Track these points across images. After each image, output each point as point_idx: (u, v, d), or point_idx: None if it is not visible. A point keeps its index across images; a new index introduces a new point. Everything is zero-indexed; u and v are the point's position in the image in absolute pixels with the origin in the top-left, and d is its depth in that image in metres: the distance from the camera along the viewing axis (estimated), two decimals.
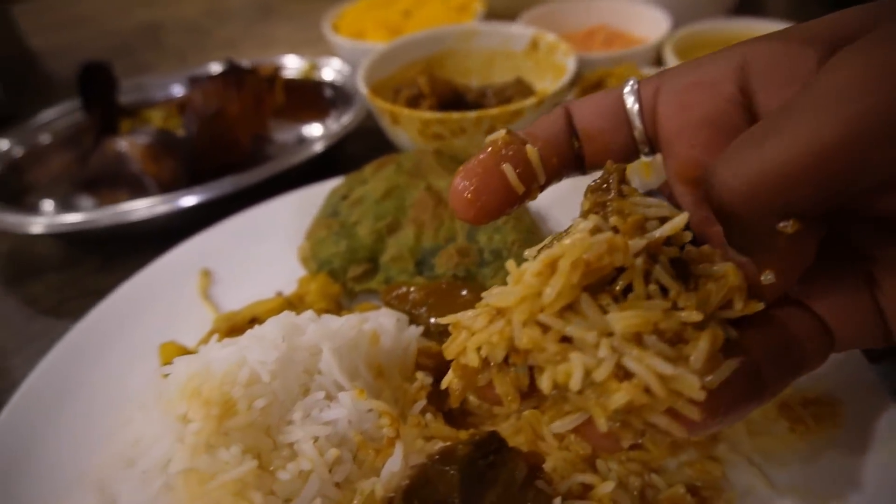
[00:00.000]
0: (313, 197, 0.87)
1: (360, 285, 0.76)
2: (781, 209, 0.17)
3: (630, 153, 0.22)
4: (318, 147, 1.04)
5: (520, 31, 1.15)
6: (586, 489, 0.38)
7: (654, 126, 0.21)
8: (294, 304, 0.72)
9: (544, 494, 0.35)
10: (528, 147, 0.25)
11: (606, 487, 0.36)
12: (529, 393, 0.20)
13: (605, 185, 0.19)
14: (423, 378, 0.58)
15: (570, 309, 0.18)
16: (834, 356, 0.25)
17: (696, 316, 0.16)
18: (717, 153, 0.19)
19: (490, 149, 0.25)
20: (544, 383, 0.18)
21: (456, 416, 0.56)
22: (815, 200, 0.17)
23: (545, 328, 0.17)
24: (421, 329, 0.63)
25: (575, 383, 0.18)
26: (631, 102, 0.22)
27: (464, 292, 0.65)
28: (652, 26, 1.25)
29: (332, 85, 1.29)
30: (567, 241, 0.17)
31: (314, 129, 1.27)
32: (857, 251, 0.21)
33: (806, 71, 0.19)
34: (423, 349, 0.61)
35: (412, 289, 0.68)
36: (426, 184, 0.79)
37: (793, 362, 0.21)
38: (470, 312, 0.21)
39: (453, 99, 1.04)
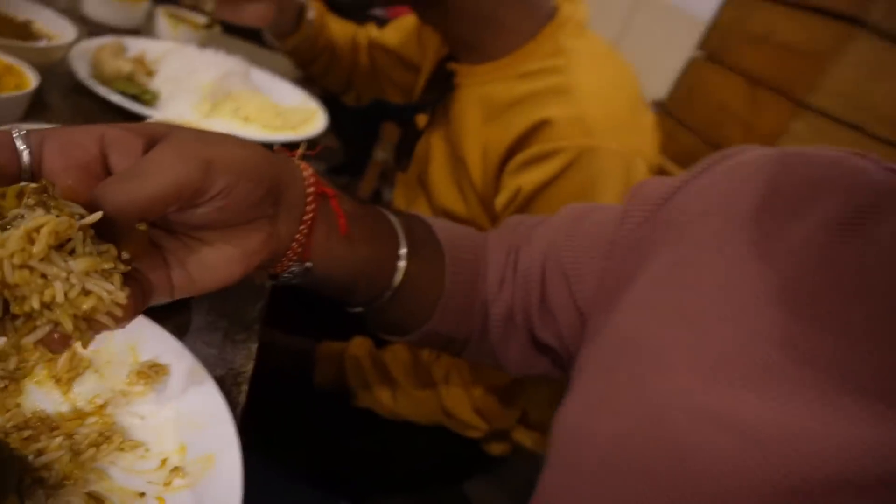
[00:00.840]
0: None
1: None
2: (141, 218, 0.32)
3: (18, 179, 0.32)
4: None
5: None
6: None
7: (39, 165, 0.33)
8: None
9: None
10: None
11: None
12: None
13: (44, 192, 0.32)
14: None
15: (45, 260, 0.30)
16: None
17: (113, 263, 0.31)
18: (89, 188, 0.32)
19: None
20: (33, 303, 0.30)
21: None
22: (156, 215, 0.32)
23: (32, 270, 0.29)
24: None
25: (60, 296, 0.30)
26: (20, 144, 0.33)
27: None
28: None
29: None
30: (41, 218, 0.29)
31: None
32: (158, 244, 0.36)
33: (143, 149, 0.34)
34: None
35: None
36: None
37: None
38: None
39: None
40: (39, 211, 0.31)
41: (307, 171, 0.39)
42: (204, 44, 1.00)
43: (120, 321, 0.32)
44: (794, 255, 0.36)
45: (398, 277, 0.47)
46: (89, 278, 0.32)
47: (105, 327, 0.32)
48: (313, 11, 0.99)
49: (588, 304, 0.48)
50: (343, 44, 1.06)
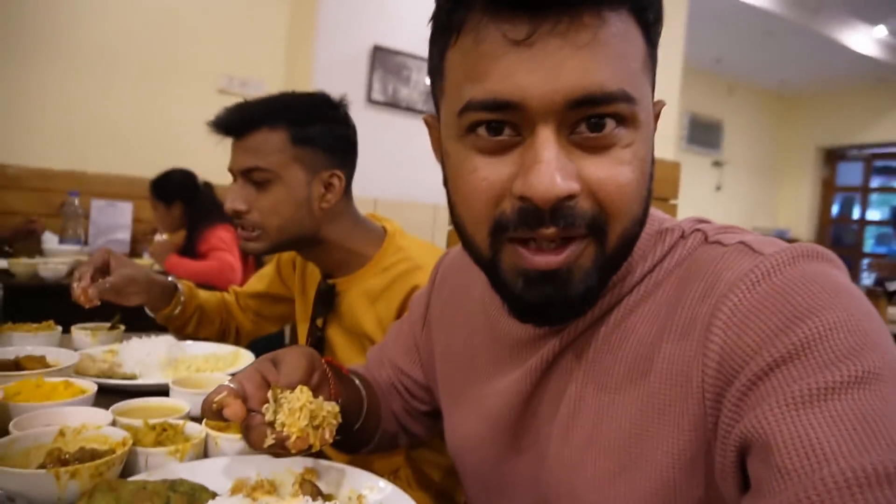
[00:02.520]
0: None
1: None
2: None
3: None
4: None
5: None
6: None
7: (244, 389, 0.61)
8: None
9: None
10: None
11: None
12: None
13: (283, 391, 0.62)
14: None
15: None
16: None
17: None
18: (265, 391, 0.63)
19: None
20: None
21: None
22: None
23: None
24: None
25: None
26: (233, 384, 0.63)
27: None
28: None
29: None
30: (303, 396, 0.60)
31: None
32: None
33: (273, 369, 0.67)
34: None
35: None
36: None
37: None
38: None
39: None
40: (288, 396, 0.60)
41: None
42: (119, 338, 1.26)
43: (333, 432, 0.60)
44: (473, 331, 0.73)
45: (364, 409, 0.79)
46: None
47: (331, 433, 0.59)
48: (182, 288, 1.33)
49: (425, 378, 0.85)
50: (212, 306, 1.41)
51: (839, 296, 0.46)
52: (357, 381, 0.80)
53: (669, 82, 4.15)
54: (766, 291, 0.47)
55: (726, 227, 0.57)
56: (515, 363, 0.65)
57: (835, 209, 7.99)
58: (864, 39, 6.06)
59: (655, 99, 0.57)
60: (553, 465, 0.59)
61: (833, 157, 7.90)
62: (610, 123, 0.49)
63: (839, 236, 7.96)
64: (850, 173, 7.90)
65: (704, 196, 7.09)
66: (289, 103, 1.14)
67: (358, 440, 0.82)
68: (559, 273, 0.51)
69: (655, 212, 0.60)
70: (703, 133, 7.05)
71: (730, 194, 7.43)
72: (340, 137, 1.17)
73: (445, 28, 0.52)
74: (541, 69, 0.47)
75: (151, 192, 2.74)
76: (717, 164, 7.32)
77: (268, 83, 3.62)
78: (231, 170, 1.13)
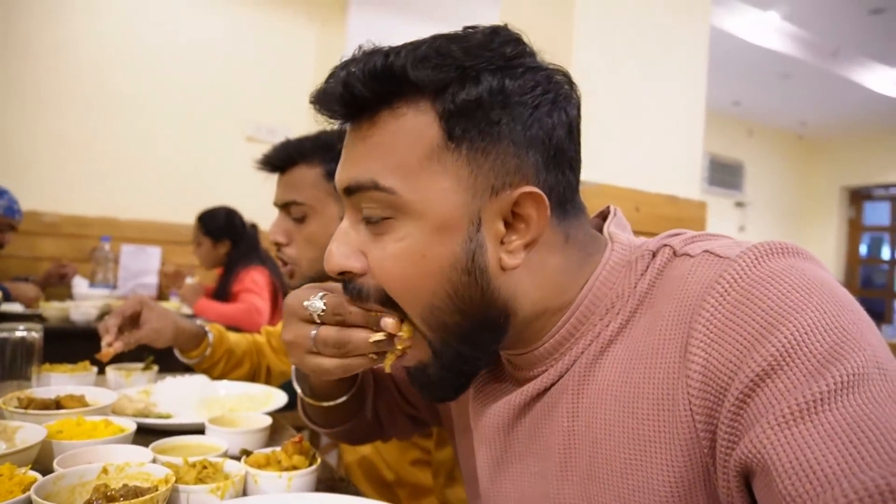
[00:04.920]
0: None
1: None
2: None
3: None
4: None
5: None
6: None
7: None
8: None
9: None
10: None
11: None
12: None
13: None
14: None
15: None
16: None
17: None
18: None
19: None
20: None
21: None
22: None
23: None
24: None
25: None
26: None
27: None
28: None
29: None
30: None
31: None
32: None
33: None
34: None
35: None
36: None
37: None
38: None
39: None
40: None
41: None
42: (153, 379, 1.27)
43: None
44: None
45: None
46: None
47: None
48: (212, 333, 1.34)
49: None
50: (241, 349, 1.41)
51: (810, 292, 0.45)
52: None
53: (693, 125, 4.19)
54: (736, 299, 0.46)
55: (695, 237, 0.57)
56: (499, 393, 0.66)
57: (863, 249, 7.86)
58: (884, 80, 6.06)
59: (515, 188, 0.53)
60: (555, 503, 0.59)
61: (858, 196, 7.82)
62: (379, 212, 0.54)
63: (869, 277, 7.80)
64: (877, 213, 7.79)
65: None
66: (326, 140, 1.17)
67: (335, 416, 0.84)
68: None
69: (628, 239, 0.60)
70: (723, 174, 7.04)
71: (754, 235, 7.36)
72: None
73: None
74: (342, 160, 0.57)
75: (199, 227, 2.77)
76: (739, 204, 7.28)
77: (295, 130, 3.71)
78: (275, 204, 1.19)
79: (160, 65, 3.42)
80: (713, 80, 4.88)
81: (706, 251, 0.52)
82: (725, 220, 7.07)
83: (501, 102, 0.51)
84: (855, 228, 7.83)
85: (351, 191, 0.55)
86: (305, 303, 0.59)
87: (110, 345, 1.13)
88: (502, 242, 0.54)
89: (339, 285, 0.60)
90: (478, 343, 0.57)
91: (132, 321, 1.20)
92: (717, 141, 6.72)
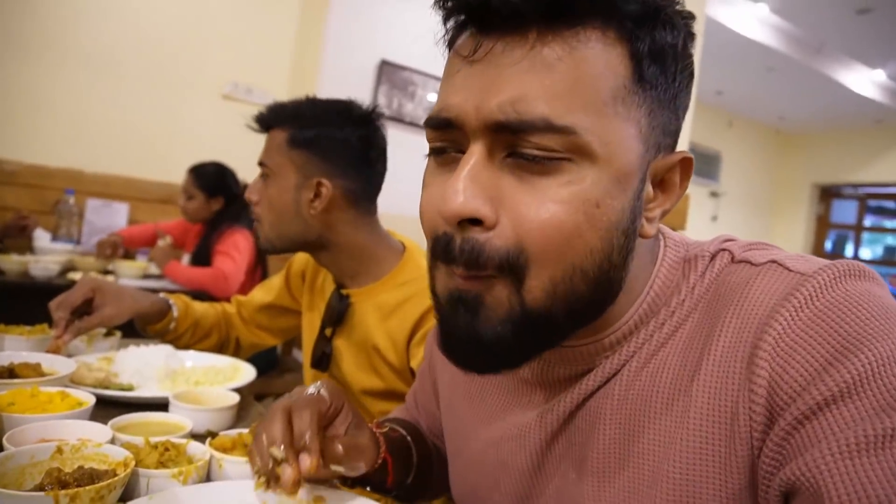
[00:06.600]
0: None
1: None
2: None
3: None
4: None
5: None
6: None
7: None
8: None
9: None
10: None
11: None
12: None
13: None
14: None
15: None
16: None
17: None
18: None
19: None
20: None
21: None
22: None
23: None
24: None
25: None
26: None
27: None
28: None
29: None
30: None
31: None
32: None
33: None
34: None
35: None
36: None
37: None
38: None
39: None
40: None
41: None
42: (115, 346, 1.21)
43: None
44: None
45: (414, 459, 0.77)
46: None
47: None
48: (176, 306, 1.28)
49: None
50: (209, 321, 1.35)
51: (889, 322, 0.42)
52: (403, 432, 0.78)
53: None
54: (811, 317, 0.43)
55: (752, 244, 0.53)
56: (531, 404, 0.60)
57: (828, 245, 8.05)
58: (864, 81, 6.14)
59: (676, 151, 0.51)
60: None
61: (828, 194, 7.98)
62: (545, 153, 0.44)
63: None
64: (844, 211, 7.97)
65: (701, 226, 7.12)
66: (301, 107, 1.14)
67: (415, 492, 0.78)
68: (468, 298, 0.47)
69: (676, 236, 0.57)
70: (701, 163, 7.11)
71: (726, 225, 7.47)
72: (342, 146, 1.13)
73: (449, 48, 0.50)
74: (475, 86, 0.45)
75: (192, 180, 2.63)
76: (714, 194, 7.37)
77: (273, 92, 3.59)
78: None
79: (135, 15, 3.25)
80: (698, 68, 4.88)
81: (773, 261, 0.49)
82: (699, 209, 7.16)
83: (683, 56, 0.47)
84: (822, 225, 8.01)
85: (505, 128, 0.44)
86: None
87: (59, 337, 1.06)
88: (647, 208, 0.49)
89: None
90: (582, 317, 0.49)
91: (85, 305, 1.13)
92: (697, 130, 6.76)
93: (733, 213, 7.58)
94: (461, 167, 0.45)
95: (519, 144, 0.44)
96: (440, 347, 0.51)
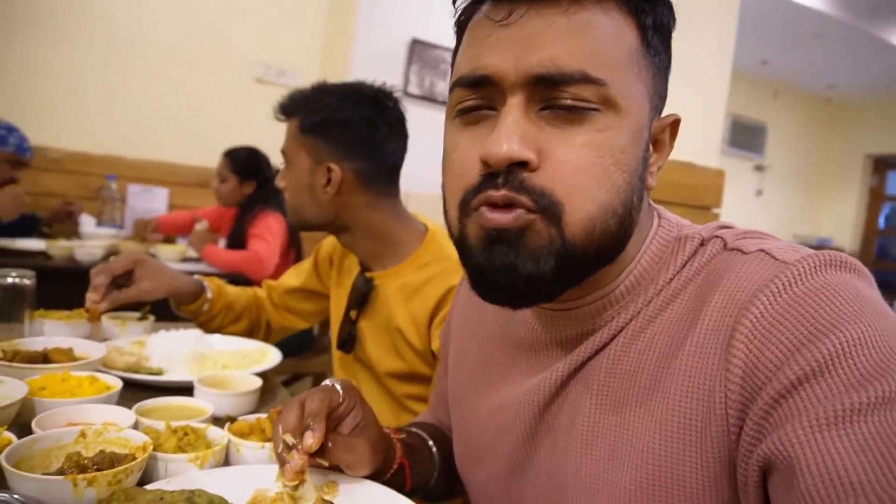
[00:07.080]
0: None
1: None
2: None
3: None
4: None
5: None
6: None
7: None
8: None
9: None
10: None
11: None
12: None
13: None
14: None
15: None
16: None
17: None
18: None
19: None
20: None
21: None
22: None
23: None
24: None
25: None
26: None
27: None
28: None
29: None
30: None
31: None
32: None
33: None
34: None
35: None
36: None
37: None
38: None
39: None
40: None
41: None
42: (148, 329, 1.25)
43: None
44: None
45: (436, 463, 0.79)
46: None
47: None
48: (210, 288, 1.31)
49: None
50: (241, 305, 1.38)
51: (863, 310, 0.45)
52: (424, 436, 0.81)
53: (717, 85, 4.05)
54: (788, 302, 0.46)
55: (747, 233, 0.56)
56: (529, 372, 0.64)
57: (881, 220, 7.72)
58: None
59: (668, 113, 0.58)
60: (571, 480, 0.57)
61: (882, 165, 7.62)
62: (582, 103, 0.49)
63: (885, 248, 7.69)
64: None
65: (744, 201, 6.91)
66: (310, 93, 1.17)
67: (442, 492, 0.82)
68: (509, 233, 0.50)
69: (673, 217, 0.61)
70: (745, 136, 6.87)
71: (771, 200, 7.23)
72: (345, 129, 1.13)
73: (458, 28, 0.57)
74: (512, 45, 0.50)
75: (227, 163, 2.69)
76: (758, 168, 7.13)
77: (305, 74, 3.61)
78: None
79: (166, 1, 3.31)
80: (741, 37, 4.68)
81: (762, 250, 0.51)
82: (743, 184, 6.94)
83: (670, 37, 0.55)
84: (876, 198, 7.67)
85: (545, 81, 0.49)
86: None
87: (96, 302, 1.10)
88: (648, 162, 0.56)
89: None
90: (606, 255, 0.54)
91: (125, 277, 1.17)
92: (741, 101, 6.52)
93: (779, 186, 7.32)
94: (504, 117, 0.50)
95: (556, 97, 0.50)
96: (473, 286, 0.55)
